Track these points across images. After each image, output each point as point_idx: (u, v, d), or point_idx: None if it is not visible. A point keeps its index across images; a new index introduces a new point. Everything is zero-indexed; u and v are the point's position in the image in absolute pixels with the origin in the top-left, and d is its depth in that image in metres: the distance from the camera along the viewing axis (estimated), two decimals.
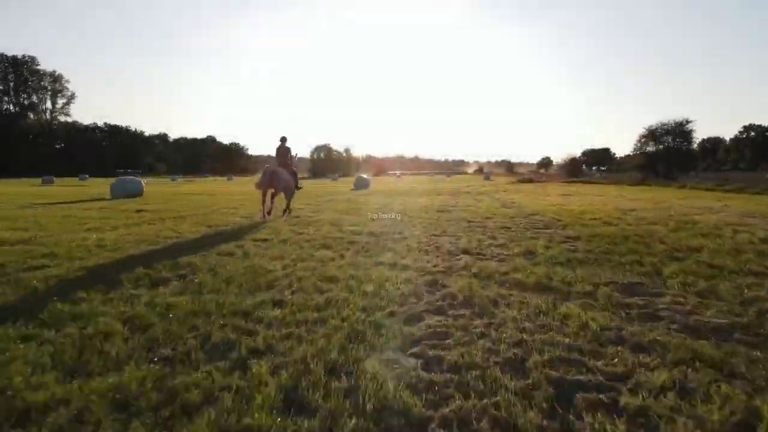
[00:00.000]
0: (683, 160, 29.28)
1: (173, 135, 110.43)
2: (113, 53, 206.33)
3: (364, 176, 29.71)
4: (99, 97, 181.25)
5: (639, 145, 32.65)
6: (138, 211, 10.94)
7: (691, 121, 29.60)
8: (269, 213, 9.30)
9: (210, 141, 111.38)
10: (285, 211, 9.91)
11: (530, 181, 46.00)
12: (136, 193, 16.96)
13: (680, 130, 29.50)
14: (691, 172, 30.20)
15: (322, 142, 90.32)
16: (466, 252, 5.60)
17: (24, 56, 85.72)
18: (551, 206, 11.86)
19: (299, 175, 11.20)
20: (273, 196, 9.51)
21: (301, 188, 11.02)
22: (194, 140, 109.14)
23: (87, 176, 54.95)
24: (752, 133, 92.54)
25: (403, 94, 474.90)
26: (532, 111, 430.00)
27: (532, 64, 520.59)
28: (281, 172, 9.39)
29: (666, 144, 29.86)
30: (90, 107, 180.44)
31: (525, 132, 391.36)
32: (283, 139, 10.24)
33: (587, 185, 29.34)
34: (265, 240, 6.52)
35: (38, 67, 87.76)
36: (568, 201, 13.80)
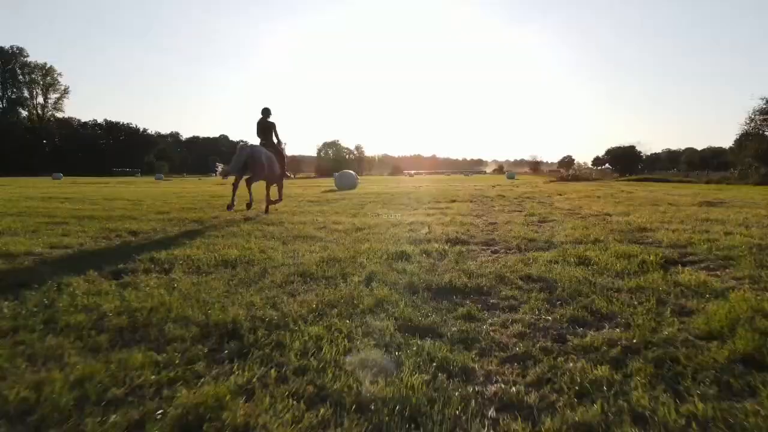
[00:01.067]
0: None
1: (186, 134, 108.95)
2: (122, 54, 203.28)
3: (351, 172, 21.76)
4: (108, 97, 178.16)
5: (753, 125, 21.91)
6: None
7: None
8: (249, 206, 7.48)
9: (223, 140, 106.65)
10: (267, 206, 7.87)
11: (574, 179, 36.66)
12: None
13: None
14: None
15: (330, 139, 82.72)
16: None
17: (12, 47, 79.86)
18: None
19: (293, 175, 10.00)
20: (250, 182, 7.51)
21: (289, 177, 9.25)
22: (207, 139, 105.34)
23: (61, 175, 49.18)
24: None
25: (419, 94, 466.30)
26: (542, 111, 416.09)
27: (544, 63, 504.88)
28: (261, 153, 7.30)
29: None
30: (94, 105, 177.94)
31: (533, 132, 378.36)
32: (266, 112, 8.00)
33: (684, 186, 20.35)
34: None
35: (27, 59, 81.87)
36: None
